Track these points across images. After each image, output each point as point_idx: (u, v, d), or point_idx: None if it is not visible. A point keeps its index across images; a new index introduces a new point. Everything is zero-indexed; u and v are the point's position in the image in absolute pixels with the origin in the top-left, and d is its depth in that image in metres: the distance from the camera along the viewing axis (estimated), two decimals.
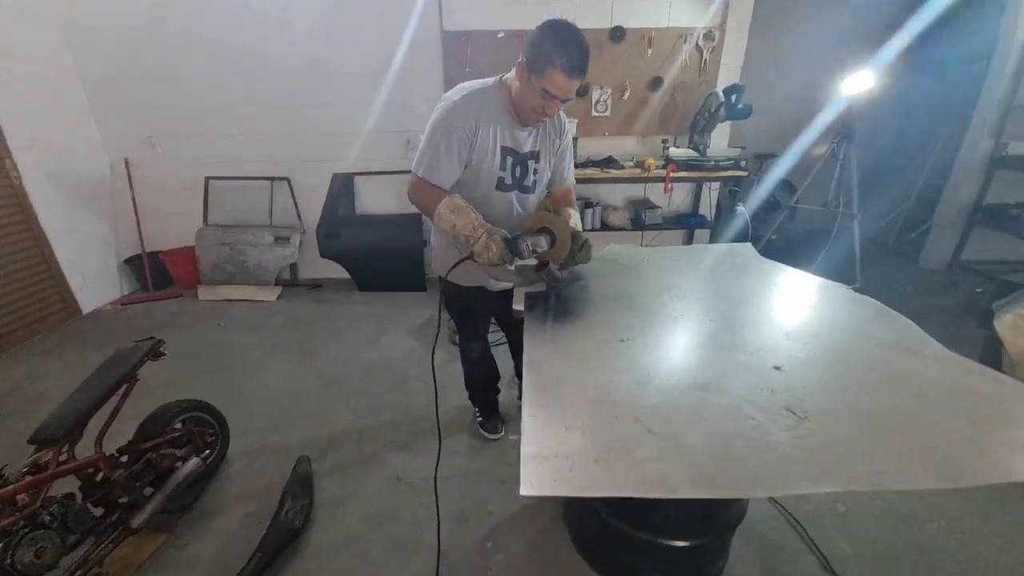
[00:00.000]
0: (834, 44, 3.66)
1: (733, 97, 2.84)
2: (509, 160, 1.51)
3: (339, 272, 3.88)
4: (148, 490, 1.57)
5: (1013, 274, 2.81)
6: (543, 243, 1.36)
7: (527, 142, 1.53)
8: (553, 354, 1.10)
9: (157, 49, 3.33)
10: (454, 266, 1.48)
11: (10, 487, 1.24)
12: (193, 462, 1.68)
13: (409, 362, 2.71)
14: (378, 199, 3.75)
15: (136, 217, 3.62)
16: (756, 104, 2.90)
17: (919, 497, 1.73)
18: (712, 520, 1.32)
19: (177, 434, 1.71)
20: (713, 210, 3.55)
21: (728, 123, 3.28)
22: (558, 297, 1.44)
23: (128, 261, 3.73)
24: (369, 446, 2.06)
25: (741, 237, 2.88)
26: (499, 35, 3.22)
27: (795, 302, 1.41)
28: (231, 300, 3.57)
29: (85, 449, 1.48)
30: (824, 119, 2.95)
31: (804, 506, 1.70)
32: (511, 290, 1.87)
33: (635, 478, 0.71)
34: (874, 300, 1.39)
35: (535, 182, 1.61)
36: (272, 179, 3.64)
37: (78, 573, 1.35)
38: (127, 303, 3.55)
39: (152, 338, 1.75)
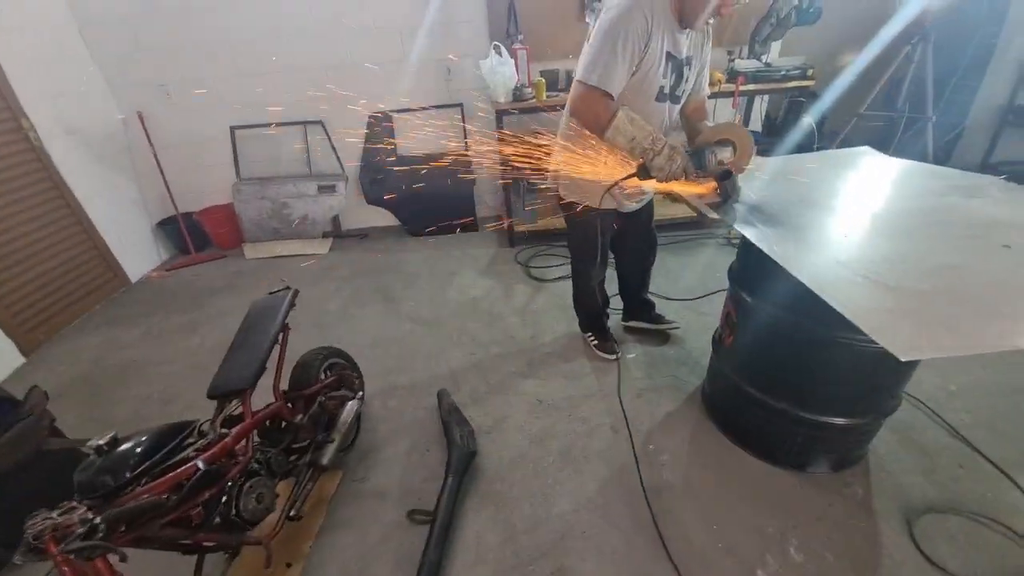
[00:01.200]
0: None
1: (805, 0, 2.72)
2: (669, 66, 1.44)
3: (383, 220, 3.77)
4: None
5: None
6: (728, 154, 1.34)
7: (684, 46, 1.46)
8: (796, 253, 1.13)
9: None
10: (621, 180, 1.45)
11: (229, 439, 1.24)
12: (353, 402, 1.71)
13: (494, 299, 2.72)
14: (420, 138, 3.55)
15: (162, 176, 3.36)
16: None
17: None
18: (878, 401, 1.44)
19: (332, 379, 1.72)
20: (762, 126, 3.51)
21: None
22: (739, 205, 1.44)
23: (161, 224, 3.52)
24: (494, 377, 2.12)
25: (803, 150, 2.88)
26: None
27: (958, 192, 1.45)
28: (281, 256, 3.45)
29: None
30: (895, 25, 2.84)
31: (918, 389, 1.86)
32: (638, 211, 1.87)
33: (999, 334, 0.77)
34: None
35: (684, 91, 1.55)
36: (305, 123, 3.40)
37: (291, 512, 1.41)
38: (172, 269, 3.40)
39: (287, 288, 1.71)
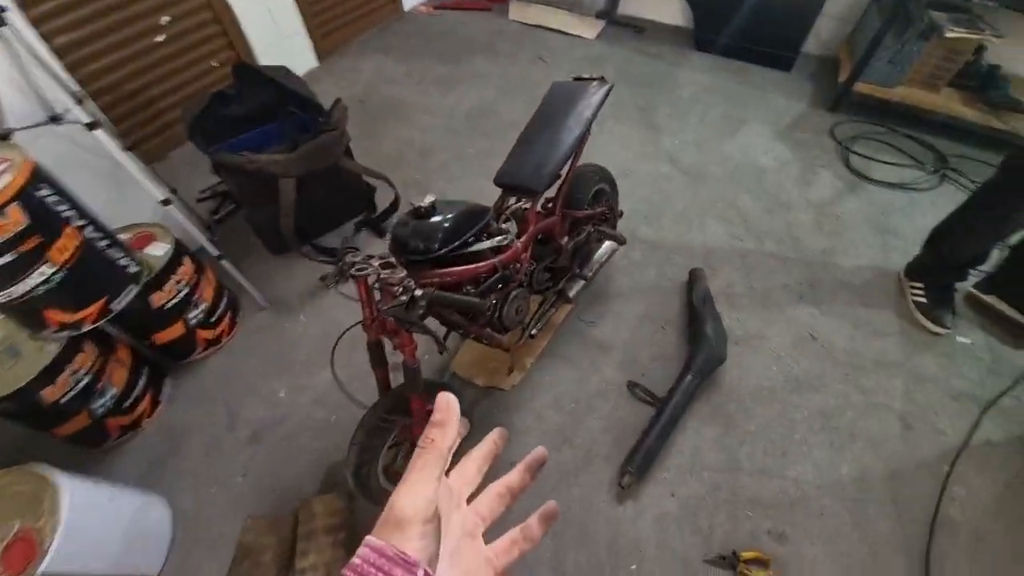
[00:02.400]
0: None
1: None
2: None
3: (670, 15, 2.95)
4: None
5: None
6: None
7: None
8: None
9: None
10: None
11: (519, 245, 1.13)
12: (610, 245, 1.51)
13: (786, 178, 2.06)
14: None
15: None
16: None
17: None
18: None
19: (600, 211, 1.48)
20: None
21: None
22: None
23: None
24: (758, 280, 1.71)
25: None
26: None
27: None
28: (544, 28, 2.97)
29: None
30: None
31: None
32: None
33: None
34: None
35: None
36: None
37: (532, 332, 1.38)
38: (439, 8, 3.19)
39: (600, 78, 1.36)
